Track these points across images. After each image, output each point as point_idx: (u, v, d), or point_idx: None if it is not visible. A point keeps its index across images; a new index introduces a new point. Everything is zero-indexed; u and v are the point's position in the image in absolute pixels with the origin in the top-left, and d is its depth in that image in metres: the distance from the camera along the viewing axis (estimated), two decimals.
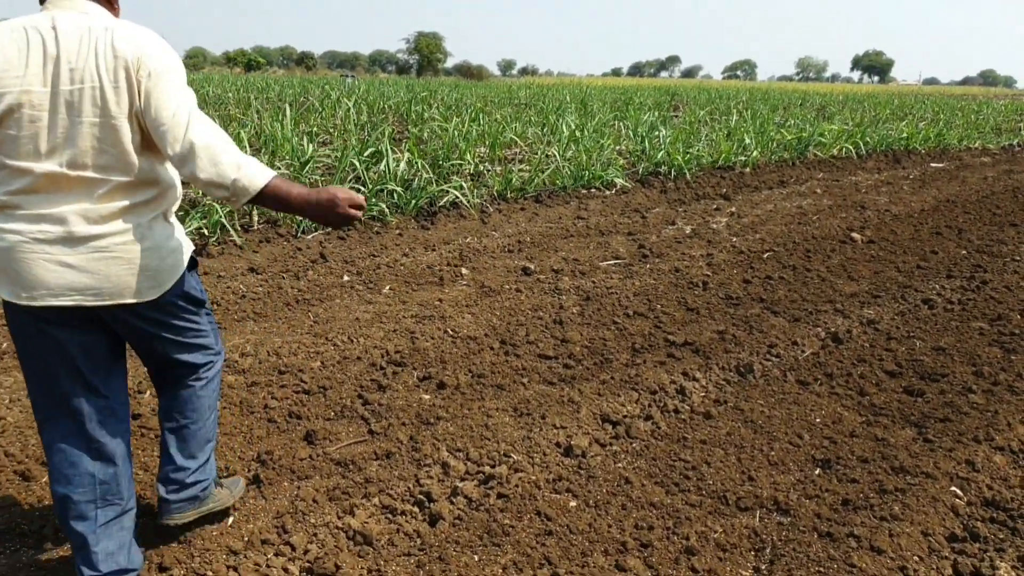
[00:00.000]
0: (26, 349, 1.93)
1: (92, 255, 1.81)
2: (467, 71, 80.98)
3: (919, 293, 5.24)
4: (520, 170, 8.78)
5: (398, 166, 7.42)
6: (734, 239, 6.76)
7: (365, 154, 7.95)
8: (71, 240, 1.79)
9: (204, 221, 5.74)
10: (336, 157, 8.35)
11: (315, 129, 11.99)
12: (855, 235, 6.93)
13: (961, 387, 3.65)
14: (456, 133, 9.95)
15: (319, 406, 3.33)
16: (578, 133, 10.81)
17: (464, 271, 5.53)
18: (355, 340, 4.15)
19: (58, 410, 1.96)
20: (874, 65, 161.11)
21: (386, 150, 7.46)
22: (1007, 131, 19.68)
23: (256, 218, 6.30)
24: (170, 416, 2.22)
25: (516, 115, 15.75)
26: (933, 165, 12.79)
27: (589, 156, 9.22)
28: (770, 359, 4.05)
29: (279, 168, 7.84)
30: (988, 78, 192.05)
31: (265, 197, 1.84)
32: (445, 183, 7.57)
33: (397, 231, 6.49)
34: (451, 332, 4.28)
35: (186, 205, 6.44)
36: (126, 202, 1.85)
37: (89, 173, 1.79)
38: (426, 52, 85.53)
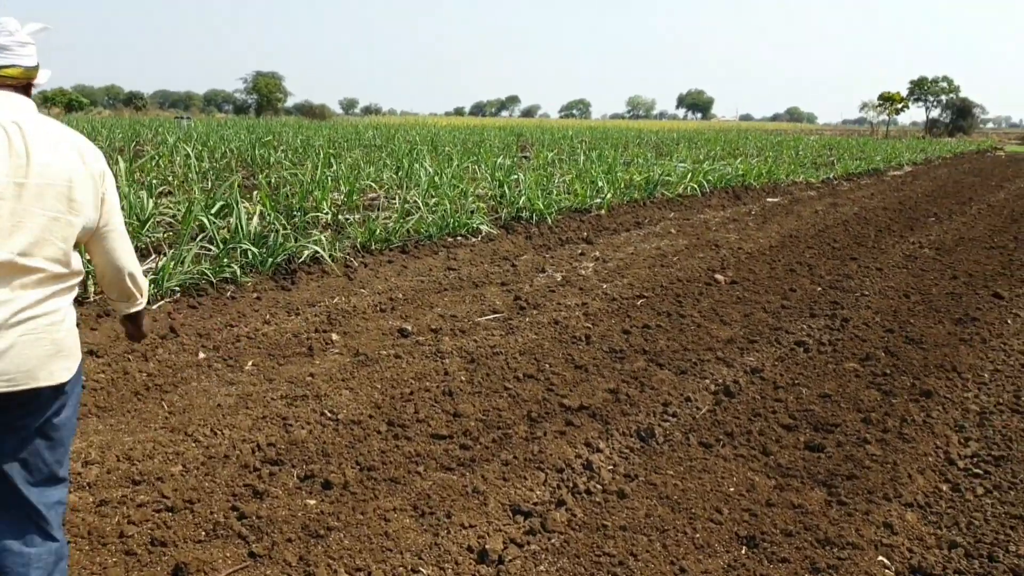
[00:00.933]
0: None
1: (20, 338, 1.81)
2: (309, 111, 79.26)
3: (790, 335, 5.42)
4: (384, 218, 8.44)
5: (251, 220, 6.85)
6: (604, 286, 6.77)
7: (213, 209, 7.30)
8: None
9: None
10: (180, 211, 7.62)
11: (152, 179, 11.02)
12: (718, 276, 7.16)
13: (856, 438, 3.71)
14: (310, 180, 9.45)
15: (187, 526, 2.82)
16: (437, 179, 10.61)
17: (334, 337, 5.10)
18: (220, 433, 3.64)
19: None
20: (696, 103, 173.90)
21: (235, 203, 6.87)
22: (823, 165, 21.68)
23: (92, 287, 5.54)
24: None
25: (368, 157, 15.37)
26: (769, 200, 13.73)
27: (453, 203, 9.03)
28: (667, 419, 3.95)
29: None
30: (794, 114, 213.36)
31: (141, 314, 2.30)
32: (303, 237, 7.08)
33: (255, 294, 5.94)
34: (329, 414, 3.87)
35: None
36: (55, 288, 1.90)
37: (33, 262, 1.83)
38: (265, 92, 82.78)
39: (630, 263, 7.81)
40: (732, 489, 3.22)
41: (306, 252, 6.76)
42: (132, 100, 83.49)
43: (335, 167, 11.66)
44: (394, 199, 9.73)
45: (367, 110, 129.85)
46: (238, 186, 8.42)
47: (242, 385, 4.25)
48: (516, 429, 3.77)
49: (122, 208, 7.13)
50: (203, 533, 2.80)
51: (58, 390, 1.93)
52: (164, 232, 7.11)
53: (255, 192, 8.65)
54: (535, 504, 3.08)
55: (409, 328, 5.29)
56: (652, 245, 8.92)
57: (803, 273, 7.52)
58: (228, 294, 5.90)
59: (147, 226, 7.02)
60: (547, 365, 4.66)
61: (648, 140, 33.06)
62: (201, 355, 4.64)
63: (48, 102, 74.73)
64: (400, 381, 4.36)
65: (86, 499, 2.97)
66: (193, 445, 3.50)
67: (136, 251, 6.02)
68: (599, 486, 3.23)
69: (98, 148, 2.04)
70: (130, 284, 2.16)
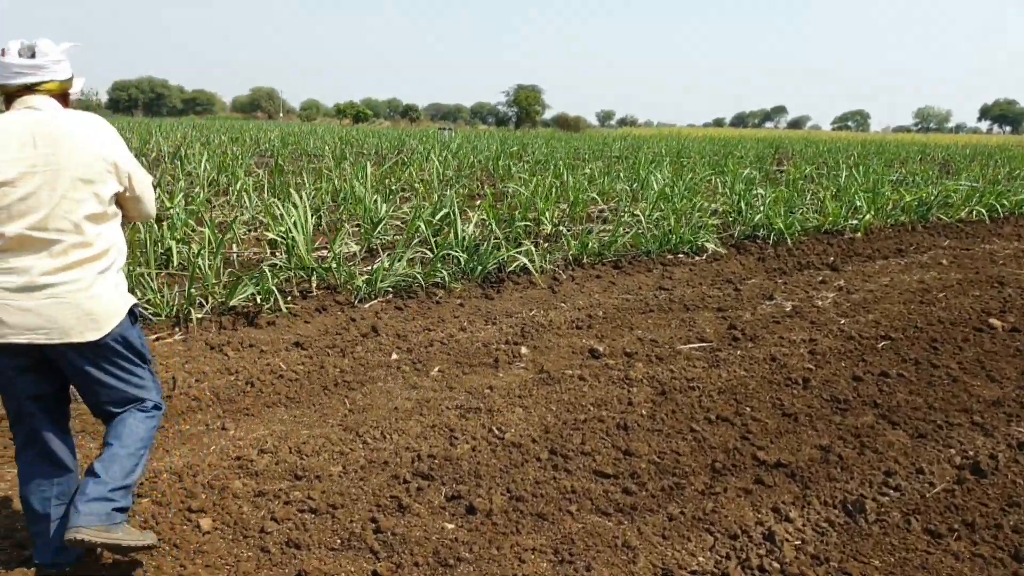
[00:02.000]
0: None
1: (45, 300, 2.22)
2: (564, 123, 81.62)
3: None
4: (601, 231, 8.18)
5: (466, 229, 6.96)
6: (842, 320, 5.89)
7: (437, 216, 7.54)
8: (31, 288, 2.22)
9: (257, 288, 5.41)
10: (409, 217, 8.00)
11: (399, 185, 11.84)
12: (994, 321, 5.92)
13: None
14: (536, 191, 9.48)
15: (324, 531, 2.79)
16: (668, 190, 10.13)
17: (523, 350, 4.94)
18: (388, 437, 3.62)
19: (25, 434, 2.39)
20: (1005, 115, 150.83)
21: (453, 213, 7.02)
22: None
23: (315, 283, 5.95)
24: (104, 444, 2.43)
25: (606, 169, 15.22)
26: None
27: (678, 217, 8.52)
28: (887, 493, 3.23)
29: (353, 227, 7.60)
30: None
31: None
32: (516, 247, 7.06)
33: (458, 300, 5.99)
34: (496, 432, 3.69)
35: (239, 271, 6.19)
36: (64, 260, 2.24)
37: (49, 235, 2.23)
38: (524, 104, 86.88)
39: (881, 296, 6.76)
40: None
41: (516, 262, 6.72)
42: (407, 112, 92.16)
43: (567, 178, 11.62)
44: (622, 213, 9.44)
45: (622, 122, 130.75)
46: (464, 197, 8.67)
47: (423, 390, 4.23)
48: (693, 479, 3.30)
49: (360, 213, 7.63)
50: (338, 541, 2.74)
51: (97, 345, 2.30)
52: (393, 235, 7.48)
53: (483, 200, 8.85)
54: (691, 573, 2.62)
55: (601, 349, 4.98)
56: (914, 277, 7.67)
57: None
58: (436, 298, 6.02)
59: (379, 228, 7.43)
60: (748, 408, 4.09)
61: (934, 156, 29.27)
62: (394, 356, 4.73)
63: (340, 114, 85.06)
64: (577, 405, 4.07)
65: (248, 487, 3.06)
66: (360, 446, 3.51)
67: (368, 252, 6.24)
68: (776, 564, 2.68)
69: (112, 134, 2.40)
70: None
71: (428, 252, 6.69)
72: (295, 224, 6.04)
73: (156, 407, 2.53)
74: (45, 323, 2.21)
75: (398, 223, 8.29)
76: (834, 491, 3.22)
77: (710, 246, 8.03)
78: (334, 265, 5.98)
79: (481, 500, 3.04)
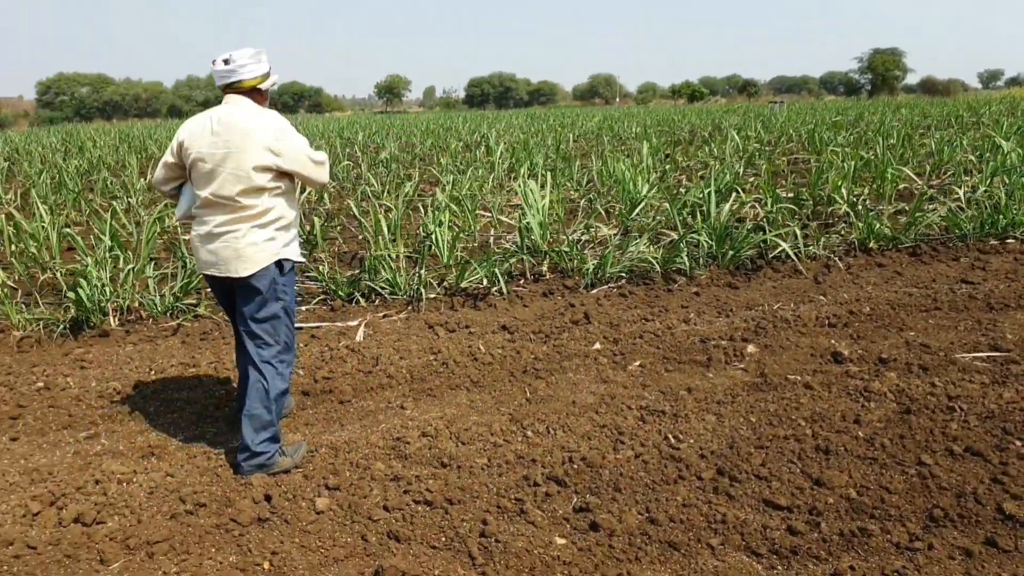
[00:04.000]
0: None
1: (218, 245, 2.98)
2: (932, 87, 71.05)
3: None
4: (928, 210, 6.83)
5: (722, 209, 6.32)
6: None
7: (704, 194, 6.94)
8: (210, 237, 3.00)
9: (484, 271, 5.51)
10: (667, 197, 7.54)
11: (690, 163, 11.31)
12: None
13: None
14: (828, 166, 8.30)
15: (430, 527, 2.69)
16: (1015, 159, 8.16)
17: (750, 349, 4.31)
18: (551, 432, 3.41)
19: (235, 331, 3.30)
20: None
21: (708, 196, 6.41)
22: None
23: (547, 267, 5.90)
24: (242, 401, 3.14)
25: (953, 137, 12.82)
26: None
27: (1011, 193, 6.80)
28: None
29: (609, 205, 7.45)
30: None
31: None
32: (782, 228, 6.22)
33: (694, 288, 5.46)
34: (670, 441, 3.25)
35: (469, 255, 6.37)
36: (225, 216, 2.96)
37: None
38: (881, 70, 77.33)
39: None
40: None
41: (779, 247, 5.93)
42: (746, 87, 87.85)
43: (881, 151, 10.01)
44: (957, 189, 7.81)
45: (1015, 81, 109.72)
46: (735, 177, 7.92)
47: (613, 386, 3.91)
48: (892, 527, 2.55)
49: (617, 192, 7.40)
50: (440, 540, 2.62)
51: (249, 281, 2.97)
52: (652, 218, 7.08)
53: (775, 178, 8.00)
54: None
55: (847, 353, 4.14)
56: None
57: None
58: (672, 286, 5.57)
59: (637, 209, 7.08)
60: (1018, 443, 3.06)
61: None
62: (596, 345, 4.46)
63: (675, 94, 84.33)
64: (785, 419, 3.42)
65: (389, 470, 3.08)
66: (519, 439, 3.35)
67: (624, 234, 6.00)
68: None
69: (276, 127, 2.96)
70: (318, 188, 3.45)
71: (675, 235, 6.22)
72: (532, 207, 6.03)
73: (278, 354, 3.09)
74: (218, 260, 2.97)
75: (655, 205, 7.86)
76: None
77: None
78: (566, 249, 5.85)
79: (609, 517, 2.68)
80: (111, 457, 3.26)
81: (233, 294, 3.10)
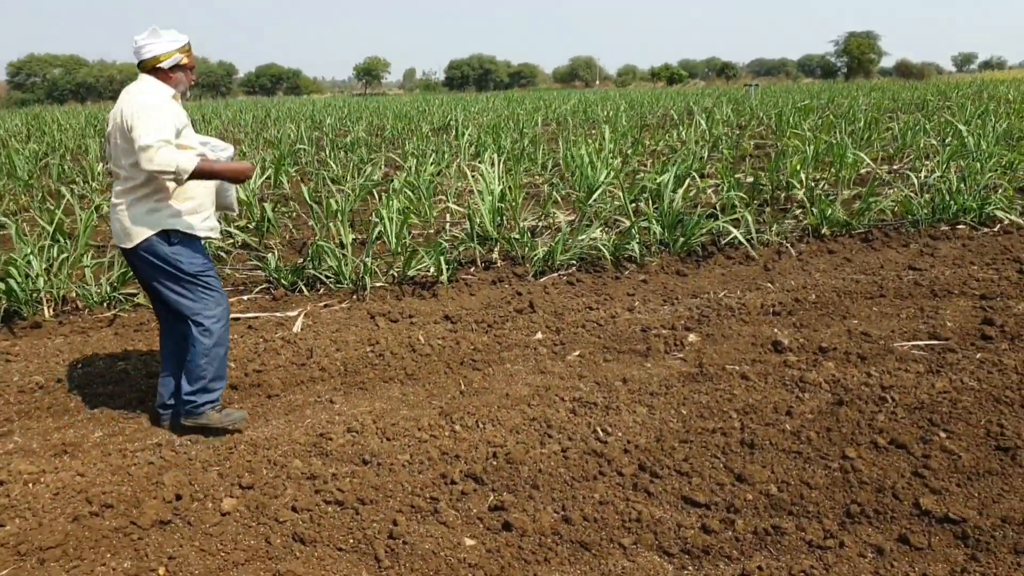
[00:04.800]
0: None
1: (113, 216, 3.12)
2: (906, 70, 71.46)
3: None
4: (881, 196, 6.82)
5: (676, 195, 6.26)
6: None
7: (660, 180, 6.87)
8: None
9: (431, 259, 5.41)
10: (622, 184, 7.46)
11: (657, 147, 11.25)
12: None
13: None
14: (792, 150, 8.28)
15: (338, 529, 2.62)
16: (971, 140, 8.17)
17: (691, 338, 4.27)
18: (480, 427, 3.34)
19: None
20: None
21: (662, 182, 6.35)
22: None
23: (497, 255, 5.81)
24: (178, 348, 3.30)
25: (918, 121, 12.86)
26: None
27: (963, 179, 6.80)
28: None
29: (568, 192, 7.39)
30: None
31: (197, 174, 2.89)
32: (732, 215, 6.18)
33: (643, 276, 5.41)
34: (598, 435, 3.20)
35: (425, 242, 6.26)
36: (119, 187, 3.08)
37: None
38: (856, 53, 77.55)
39: None
40: None
41: (731, 235, 5.88)
42: (724, 70, 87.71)
43: (840, 135, 10.00)
44: (917, 173, 7.81)
45: (987, 65, 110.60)
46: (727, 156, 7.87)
47: (550, 377, 3.85)
48: (808, 524, 2.51)
49: (576, 178, 7.30)
50: (346, 543, 2.55)
51: (133, 252, 3.07)
52: (612, 203, 6.99)
53: (746, 160, 7.95)
54: None
55: (787, 342, 4.11)
56: None
57: None
58: (625, 273, 5.51)
59: (594, 195, 6.99)
60: (943, 434, 3.04)
61: None
62: (538, 335, 4.39)
63: (654, 77, 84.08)
64: (717, 411, 3.37)
65: (305, 468, 2.99)
66: (446, 434, 3.28)
67: (583, 222, 5.83)
68: None
69: (138, 102, 2.93)
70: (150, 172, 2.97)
71: (626, 221, 6.16)
72: (480, 193, 5.94)
73: (198, 323, 3.15)
74: (113, 232, 3.13)
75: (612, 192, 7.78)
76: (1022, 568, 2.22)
77: (1002, 215, 6.27)
78: (516, 236, 5.77)
79: (523, 516, 2.63)
80: (21, 456, 3.15)
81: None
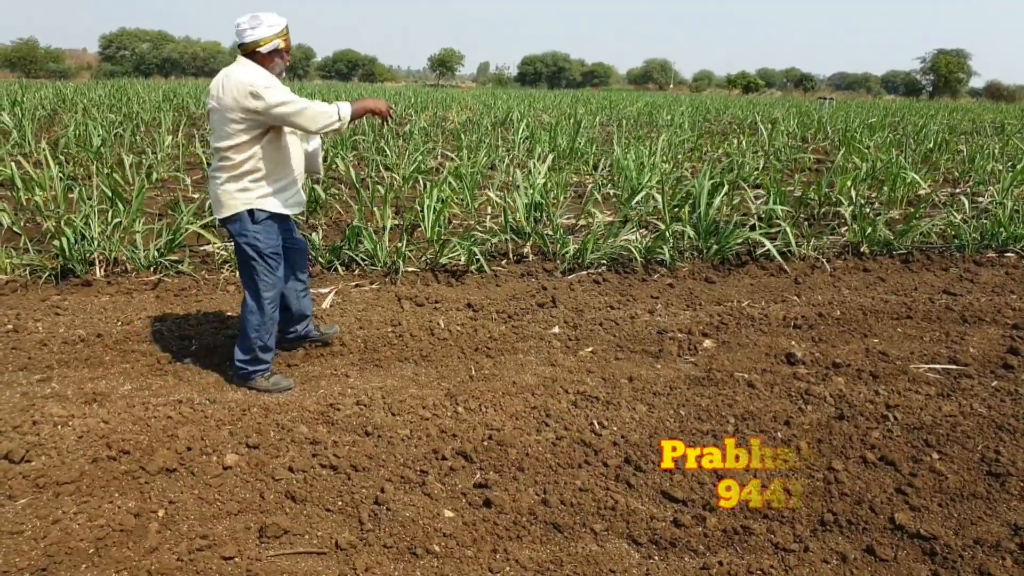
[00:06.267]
0: None
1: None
2: (996, 92, 68.49)
3: None
4: (926, 218, 6.68)
5: (712, 202, 6.24)
6: None
7: (705, 189, 6.87)
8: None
9: (463, 249, 5.55)
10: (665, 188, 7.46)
11: (716, 154, 11.18)
12: None
13: None
14: (843, 166, 8.14)
15: (328, 491, 2.77)
16: None
17: (706, 344, 4.30)
18: (482, 410, 3.46)
19: None
20: None
21: (700, 185, 6.35)
22: None
23: (529, 249, 5.92)
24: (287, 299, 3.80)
25: (988, 145, 12.42)
26: None
27: (1019, 206, 6.59)
28: None
29: (613, 193, 7.44)
30: None
31: (354, 116, 3.34)
32: (768, 227, 6.14)
33: (670, 280, 5.44)
34: (594, 428, 3.28)
35: (465, 232, 6.40)
36: (216, 163, 3.36)
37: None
38: (944, 71, 74.68)
39: None
40: None
41: (767, 246, 5.85)
42: (802, 82, 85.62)
43: (900, 156, 9.75)
44: (980, 197, 7.60)
45: None
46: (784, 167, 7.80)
47: (559, 369, 3.95)
48: (778, 528, 2.55)
49: (619, 181, 7.36)
50: (335, 504, 2.70)
51: (225, 225, 3.42)
52: (653, 206, 7.02)
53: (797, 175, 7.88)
54: None
55: (800, 355, 4.10)
56: None
57: None
58: (654, 276, 5.55)
59: (637, 196, 7.01)
60: (934, 455, 3.02)
61: None
62: (555, 329, 4.48)
63: (730, 84, 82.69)
64: (715, 414, 3.42)
65: (311, 434, 3.15)
66: (448, 414, 3.41)
67: (624, 224, 5.92)
68: None
69: (251, 80, 3.17)
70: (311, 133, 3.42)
71: (663, 225, 6.18)
72: (518, 188, 6.05)
73: (258, 306, 3.49)
74: (212, 200, 3.45)
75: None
76: None
77: None
78: (549, 232, 5.86)
79: (504, 495, 2.74)
80: (56, 400, 3.41)
81: None
